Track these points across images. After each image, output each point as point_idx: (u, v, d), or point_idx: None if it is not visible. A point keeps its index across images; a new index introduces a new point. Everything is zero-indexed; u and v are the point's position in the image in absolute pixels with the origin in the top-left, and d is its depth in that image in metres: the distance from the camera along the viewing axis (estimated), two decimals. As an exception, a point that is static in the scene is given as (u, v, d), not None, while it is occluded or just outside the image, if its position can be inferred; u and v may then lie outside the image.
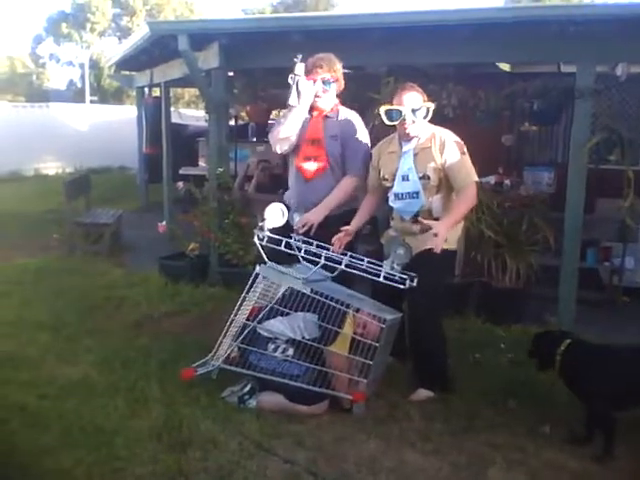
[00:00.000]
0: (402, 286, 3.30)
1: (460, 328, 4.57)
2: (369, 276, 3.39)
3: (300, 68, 3.68)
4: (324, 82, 3.72)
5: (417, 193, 3.55)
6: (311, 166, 3.84)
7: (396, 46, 5.07)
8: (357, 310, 3.45)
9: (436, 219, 3.50)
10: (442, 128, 3.65)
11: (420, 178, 3.53)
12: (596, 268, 5.70)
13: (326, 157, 3.83)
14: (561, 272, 4.89)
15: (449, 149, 3.51)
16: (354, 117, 3.92)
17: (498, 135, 7.27)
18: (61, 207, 7.59)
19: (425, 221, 3.37)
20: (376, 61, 5.64)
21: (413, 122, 3.53)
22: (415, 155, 3.56)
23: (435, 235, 3.27)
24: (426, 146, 3.56)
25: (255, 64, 5.91)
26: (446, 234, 3.33)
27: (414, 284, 3.30)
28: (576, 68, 4.84)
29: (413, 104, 3.53)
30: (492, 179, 6.16)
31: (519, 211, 5.06)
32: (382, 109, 3.58)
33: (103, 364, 3.98)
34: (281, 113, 3.92)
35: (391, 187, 3.66)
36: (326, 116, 3.86)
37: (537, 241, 4.98)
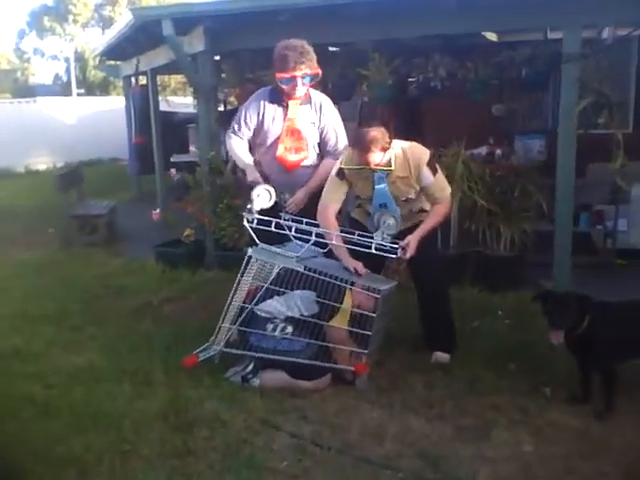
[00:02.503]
0: (394, 256, 3.41)
1: (457, 298, 4.55)
2: (361, 249, 3.44)
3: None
4: (304, 77, 3.75)
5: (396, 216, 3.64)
6: (293, 157, 3.93)
7: (382, 20, 5.05)
8: (351, 283, 3.49)
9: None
10: (409, 144, 3.56)
11: (403, 200, 3.59)
12: (589, 232, 5.74)
13: (306, 147, 3.93)
14: (555, 237, 4.93)
15: (424, 175, 3.51)
16: (326, 101, 3.99)
17: (488, 106, 7.27)
18: (53, 201, 7.58)
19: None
20: (363, 37, 5.61)
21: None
22: (392, 183, 3.54)
23: (406, 247, 3.42)
24: (404, 175, 3.52)
25: (241, 45, 5.87)
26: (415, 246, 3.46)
27: (406, 255, 3.42)
28: (562, 33, 4.85)
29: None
30: (484, 150, 6.16)
31: (511, 179, 5.08)
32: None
33: (107, 351, 4.02)
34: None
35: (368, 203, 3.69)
36: (301, 103, 3.90)
37: (530, 207, 5.01)
